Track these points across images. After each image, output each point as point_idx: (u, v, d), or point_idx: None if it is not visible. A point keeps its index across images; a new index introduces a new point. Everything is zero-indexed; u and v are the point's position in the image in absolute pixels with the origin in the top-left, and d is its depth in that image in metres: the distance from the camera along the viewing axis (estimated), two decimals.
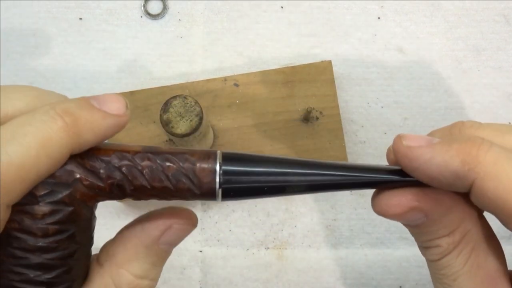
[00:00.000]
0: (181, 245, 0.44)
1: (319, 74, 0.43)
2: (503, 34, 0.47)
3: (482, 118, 0.46)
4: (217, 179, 0.23)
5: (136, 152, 0.23)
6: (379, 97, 0.46)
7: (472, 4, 0.47)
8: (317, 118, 0.43)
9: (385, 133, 0.45)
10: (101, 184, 0.23)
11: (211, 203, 0.44)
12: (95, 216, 0.25)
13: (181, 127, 0.36)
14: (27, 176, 0.21)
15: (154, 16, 0.48)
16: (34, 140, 0.21)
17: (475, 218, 0.25)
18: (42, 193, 0.22)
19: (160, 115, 0.36)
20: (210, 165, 0.23)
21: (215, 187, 0.23)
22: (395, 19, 0.47)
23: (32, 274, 0.22)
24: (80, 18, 0.48)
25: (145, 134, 0.43)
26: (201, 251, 0.44)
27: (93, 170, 0.23)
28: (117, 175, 0.23)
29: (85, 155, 0.23)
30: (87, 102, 0.23)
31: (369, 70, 0.46)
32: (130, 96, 0.43)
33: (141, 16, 0.48)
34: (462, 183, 0.23)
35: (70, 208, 0.22)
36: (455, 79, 0.46)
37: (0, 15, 0.48)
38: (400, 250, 0.43)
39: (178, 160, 0.23)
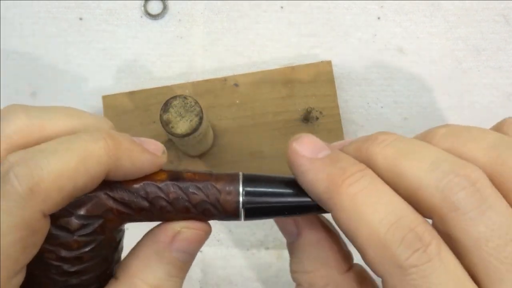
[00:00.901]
0: None
1: (319, 74, 0.43)
2: (503, 34, 0.47)
3: (482, 118, 0.46)
4: (240, 200, 0.24)
5: (162, 181, 0.24)
6: (379, 97, 0.46)
7: (472, 4, 0.47)
8: (317, 118, 0.43)
9: None
10: (130, 212, 0.24)
11: None
12: (123, 231, 0.26)
13: (181, 127, 0.36)
14: (64, 186, 0.21)
15: (154, 16, 0.48)
16: (75, 153, 0.22)
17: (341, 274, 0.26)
18: (76, 227, 0.23)
19: (160, 115, 0.36)
20: (233, 188, 0.25)
21: (238, 210, 0.25)
22: (395, 19, 0.47)
23: None
24: (80, 18, 0.48)
25: (145, 134, 0.43)
26: (201, 251, 0.44)
27: (122, 201, 0.24)
28: (145, 205, 0.24)
29: (114, 187, 0.24)
30: (127, 135, 0.24)
31: (369, 70, 0.46)
32: (130, 96, 0.43)
33: (141, 16, 0.48)
34: (325, 207, 0.24)
35: (102, 237, 0.24)
36: (455, 79, 0.46)
37: (0, 15, 0.48)
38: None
39: (203, 188, 0.25)
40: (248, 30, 0.47)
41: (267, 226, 0.44)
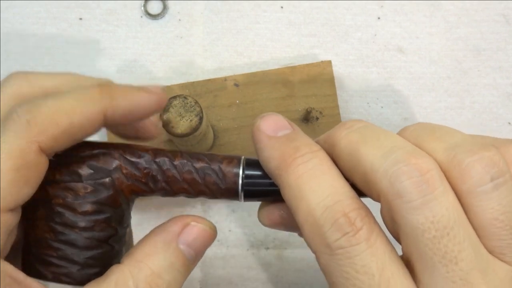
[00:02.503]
0: None
1: (319, 74, 0.43)
2: (503, 34, 0.47)
3: (482, 118, 0.46)
4: (240, 181, 0.26)
5: (170, 151, 0.26)
6: (379, 97, 0.46)
7: (472, 4, 0.47)
8: (317, 118, 0.43)
9: None
10: (138, 173, 0.26)
11: (211, 203, 0.44)
12: (130, 215, 0.27)
13: (181, 127, 0.36)
14: (60, 122, 0.23)
15: (154, 16, 0.48)
16: (71, 95, 0.24)
17: None
18: (86, 173, 0.25)
19: (160, 115, 0.36)
20: (234, 167, 0.26)
21: (238, 186, 0.26)
22: (395, 19, 0.47)
23: (69, 251, 0.24)
24: (80, 18, 0.48)
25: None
26: None
27: (132, 161, 0.26)
28: (153, 167, 0.26)
29: (126, 149, 0.26)
30: (127, 84, 0.26)
31: (369, 70, 0.46)
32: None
33: (141, 16, 0.48)
34: (276, 183, 0.25)
35: (109, 192, 0.25)
36: (455, 79, 0.46)
37: (0, 15, 0.48)
38: (400, 249, 0.43)
39: (207, 158, 0.26)
40: (248, 30, 0.47)
41: None
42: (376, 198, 0.24)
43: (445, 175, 0.23)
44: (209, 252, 0.44)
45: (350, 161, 0.24)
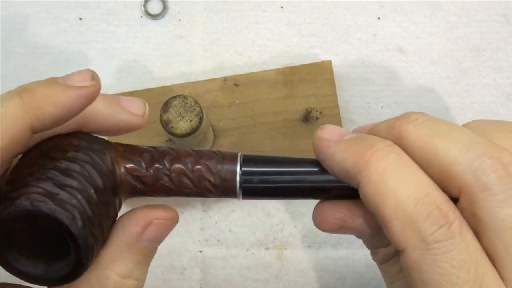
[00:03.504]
0: (181, 245, 0.44)
1: (319, 74, 0.43)
2: (503, 34, 0.47)
3: (482, 118, 0.46)
4: (238, 179, 0.25)
5: (170, 152, 0.26)
6: (379, 97, 0.46)
7: (472, 4, 0.47)
8: (317, 118, 0.43)
9: None
10: (139, 172, 0.25)
11: (211, 203, 0.44)
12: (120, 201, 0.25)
13: (181, 127, 0.36)
14: None
15: (154, 16, 0.48)
16: None
17: None
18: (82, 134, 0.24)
19: (160, 115, 0.36)
20: (232, 164, 0.25)
21: (235, 185, 0.25)
22: (395, 19, 0.47)
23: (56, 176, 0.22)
24: (80, 18, 0.48)
25: (145, 134, 0.43)
26: (201, 252, 0.44)
27: (133, 159, 0.25)
28: (153, 167, 0.25)
29: (128, 148, 0.26)
30: (51, 79, 0.23)
31: (369, 70, 0.46)
32: (130, 96, 0.43)
33: (141, 16, 0.48)
34: (353, 183, 0.24)
35: (100, 162, 0.24)
36: (455, 79, 0.46)
37: (0, 15, 0.48)
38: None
39: (205, 156, 0.26)
40: (248, 30, 0.47)
41: (267, 226, 0.44)
42: (455, 193, 0.23)
43: None
44: (209, 252, 0.44)
45: (424, 154, 0.24)
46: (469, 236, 0.22)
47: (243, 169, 0.25)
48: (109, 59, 0.47)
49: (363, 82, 0.46)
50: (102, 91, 0.47)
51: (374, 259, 0.27)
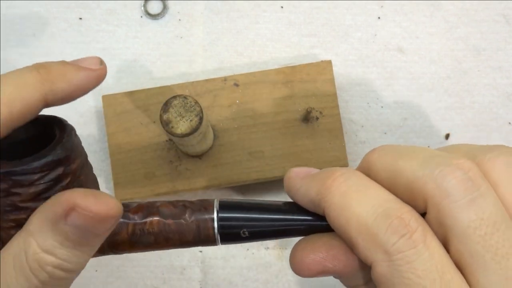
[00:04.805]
0: None
1: (319, 74, 0.43)
2: (503, 34, 0.47)
3: (482, 118, 0.46)
4: (215, 226, 0.26)
5: (145, 208, 0.26)
6: (379, 97, 0.46)
7: (472, 4, 0.47)
8: (317, 118, 0.43)
9: (385, 133, 0.45)
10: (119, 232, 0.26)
11: None
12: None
13: (181, 127, 0.36)
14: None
15: (154, 16, 0.48)
16: (9, 83, 0.24)
17: None
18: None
19: (160, 115, 0.36)
20: (208, 216, 0.26)
21: (214, 235, 0.26)
22: (395, 19, 0.47)
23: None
24: (80, 18, 0.48)
25: (145, 134, 0.43)
26: (201, 251, 0.44)
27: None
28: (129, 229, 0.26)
29: None
30: (63, 61, 0.27)
31: (369, 70, 0.46)
32: (130, 96, 0.43)
33: (141, 16, 0.48)
34: (319, 211, 0.25)
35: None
36: (455, 79, 0.46)
37: (0, 15, 0.48)
38: None
39: (180, 215, 0.26)
40: (248, 30, 0.47)
41: None
42: (422, 206, 0.24)
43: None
44: (209, 252, 0.44)
45: (390, 175, 0.24)
46: (433, 244, 0.22)
47: (220, 215, 0.26)
48: (109, 59, 0.47)
49: (363, 82, 0.46)
50: (102, 91, 0.47)
51: None
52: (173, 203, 0.27)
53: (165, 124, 0.36)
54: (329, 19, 0.47)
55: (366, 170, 0.26)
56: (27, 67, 0.25)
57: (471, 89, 0.46)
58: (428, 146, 0.45)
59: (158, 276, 0.43)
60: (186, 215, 0.26)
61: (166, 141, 0.43)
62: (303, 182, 0.26)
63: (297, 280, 0.43)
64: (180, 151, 0.43)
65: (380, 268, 0.23)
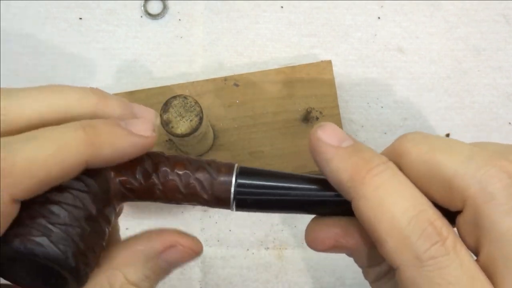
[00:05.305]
0: None
1: (319, 74, 0.43)
2: (503, 34, 0.47)
3: (482, 118, 0.46)
4: (232, 190, 0.25)
5: (168, 159, 0.26)
6: (379, 97, 0.46)
7: (472, 4, 0.47)
8: (317, 118, 0.43)
9: (385, 133, 0.45)
10: (134, 182, 0.25)
11: None
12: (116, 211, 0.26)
13: (181, 127, 0.36)
14: (36, 174, 0.21)
15: (154, 16, 0.48)
16: (52, 144, 0.21)
17: None
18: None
19: (160, 115, 0.36)
20: (227, 179, 0.25)
21: (230, 197, 0.25)
22: (395, 19, 0.47)
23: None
24: (80, 18, 0.48)
25: None
26: None
27: (127, 171, 0.25)
28: (152, 176, 0.25)
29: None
30: (114, 120, 0.24)
31: (369, 70, 0.46)
32: (130, 96, 0.43)
33: (141, 16, 0.48)
34: (345, 195, 0.24)
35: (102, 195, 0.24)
36: (455, 79, 0.46)
37: (0, 15, 0.48)
38: None
39: (203, 165, 0.26)
40: (248, 30, 0.47)
41: (267, 226, 0.44)
42: (459, 205, 0.23)
43: None
44: (209, 252, 0.44)
45: (426, 170, 0.24)
46: (463, 251, 0.22)
47: (238, 181, 0.25)
48: (109, 59, 0.47)
49: (363, 82, 0.46)
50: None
51: (366, 277, 0.27)
52: (199, 160, 0.26)
53: (165, 124, 0.36)
54: (329, 19, 0.47)
55: (397, 157, 0.25)
56: (74, 124, 0.23)
57: (471, 89, 0.46)
58: None
59: None
60: (203, 180, 0.25)
61: (166, 141, 0.43)
62: (334, 155, 0.24)
63: (297, 280, 0.43)
64: (180, 151, 0.43)
65: (409, 272, 0.22)
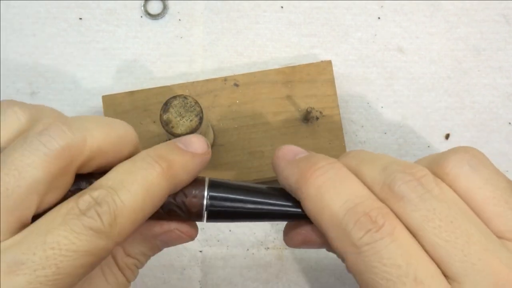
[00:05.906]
0: (181, 245, 0.43)
1: (319, 74, 0.43)
2: (503, 34, 0.47)
3: (482, 118, 0.46)
4: (204, 203, 0.27)
5: None
6: (379, 97, 0.46)
7: (472, 4, 0.47)
8: (317, 118, 0.43)
9: (385, 133, 0.45)
10: None
11: None
12: None
13: (181, 127, 0.36)
14: (136, 219, 0.24)
15: (154, 16, 0.48)
16: (140, 187, 0.24)
17: None
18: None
19: (160, 115, 0.36)
20: (198, 192, 0.27)
21: (202, 211, 0.27)
22: (395, 19, 0.47)
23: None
24: (80, 18, 0.48)
25: (145, 134, 0.43)
26: (201, 251, 0.44)
27: None
28: None
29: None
30: (175, 145, 0.26)
31: (369, 70, 0.46)
32: (130, 96, 0.43)
33: (141, 16, 0.48)
34: (297, 198, 0.27)
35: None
36: (455, 79, 0.46)
37: (0, 15, 0.48)
38: None
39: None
40: (248, 30, 0.47)
41: (267, 226, 0.44)
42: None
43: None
44: (209, 252, 0.44)
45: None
46: (402, 235, 0.24)
47: (210, 194, 0.27)
48: (109, 59, 0.47)
49: (363, 82, 0.46)
50: (103, 91, 0.47)
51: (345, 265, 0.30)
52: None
53: (165, 124, 0.36)
54: (329, 19, 0.47)
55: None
56: (147, 161, 0.25)
57: (471, 89, 0.46)
58: (428, 146, 0.45)
59: (157, 276, 0.43)
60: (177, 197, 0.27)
61: (166, 141, 0.43)
62: (287, 165, 0.27)
63: (297, 280, 0.43)
64: None
65: (351, 259, 0.25)
